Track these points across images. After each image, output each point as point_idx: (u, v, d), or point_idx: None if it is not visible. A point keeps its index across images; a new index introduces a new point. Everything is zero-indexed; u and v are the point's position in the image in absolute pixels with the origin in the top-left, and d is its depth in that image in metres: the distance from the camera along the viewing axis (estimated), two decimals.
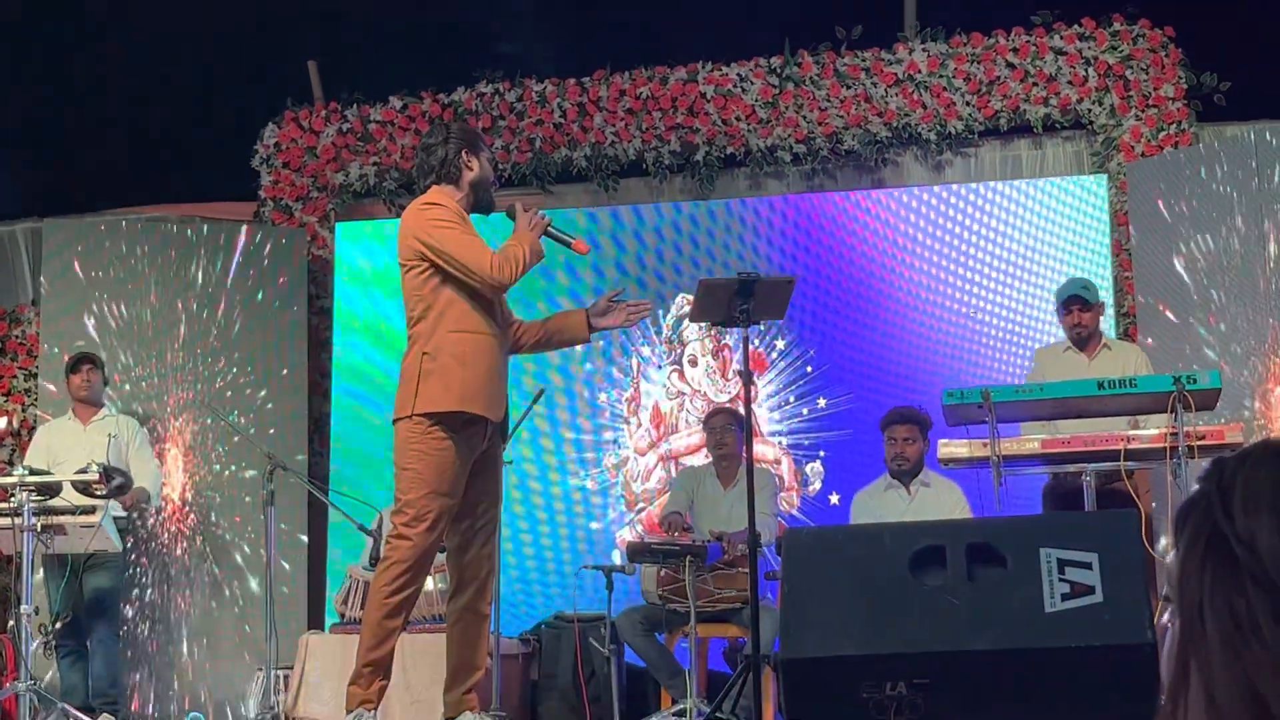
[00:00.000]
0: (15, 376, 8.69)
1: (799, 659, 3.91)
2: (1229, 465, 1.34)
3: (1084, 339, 6.55)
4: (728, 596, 6.40)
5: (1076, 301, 6.53)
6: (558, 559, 8.32)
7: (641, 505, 8.30)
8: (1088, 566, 3.83)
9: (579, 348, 8.24)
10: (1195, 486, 1.37)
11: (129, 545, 7.57)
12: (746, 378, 4.91)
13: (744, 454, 5.28)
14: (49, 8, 9.58)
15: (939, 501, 6.61)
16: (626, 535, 8.18)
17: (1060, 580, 3.86)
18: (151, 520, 7.92)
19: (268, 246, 8.39)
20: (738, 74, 8.42)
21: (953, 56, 8.16)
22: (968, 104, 8.11)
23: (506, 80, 8.72)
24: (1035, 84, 8.03)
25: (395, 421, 4.92)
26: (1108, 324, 7.26)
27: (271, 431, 8.12)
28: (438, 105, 8.76)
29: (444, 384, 4.83)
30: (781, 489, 7.98)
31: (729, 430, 6.98)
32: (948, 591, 3.91)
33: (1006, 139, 8.21)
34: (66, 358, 7.64)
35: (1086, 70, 7.97)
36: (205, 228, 8.42)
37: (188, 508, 8.05)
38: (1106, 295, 7.29)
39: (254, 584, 7.97)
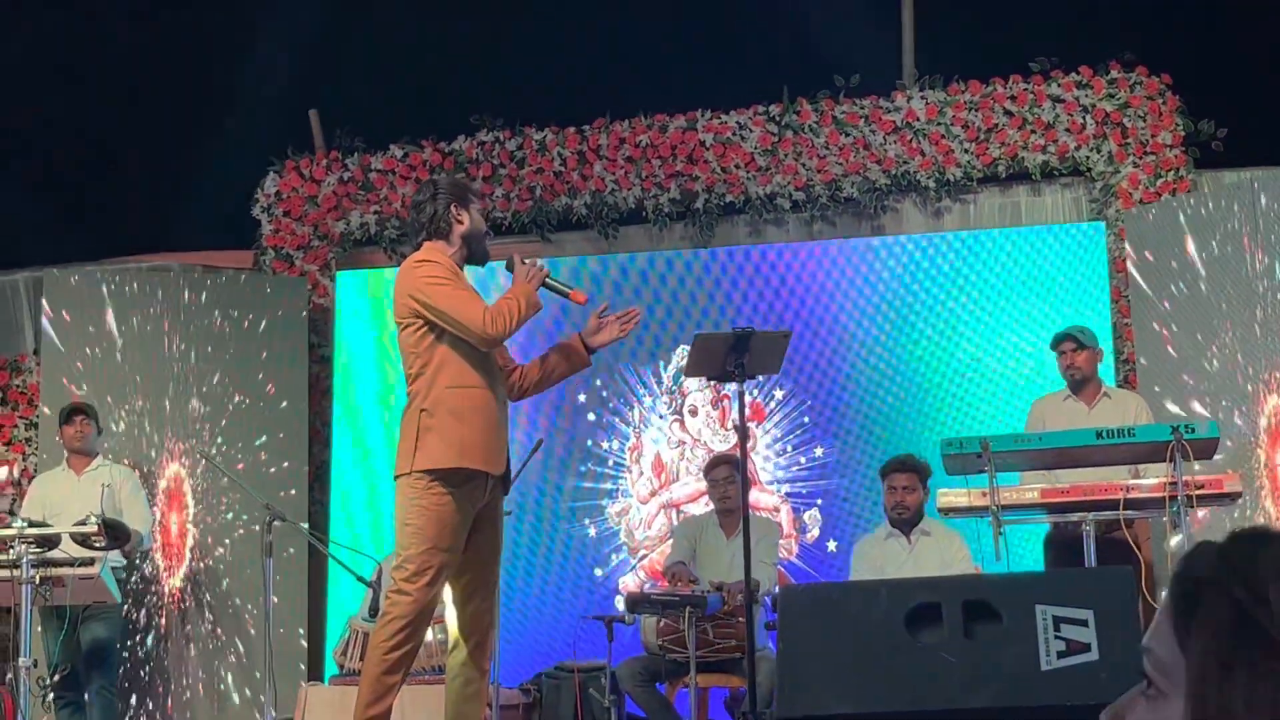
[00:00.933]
0: (16, 426, 8.69)
1: (796, 719, 3.89)
2: (1238, 548, 1.27)
3: (1079, 382, 6.54)
4: (728, 646, 6.37)
5: (1070, 341, 6.54)
6: (560, 607, 8.30)
7: (643, 552, 8.29)
8: (1084, 624, 3.82)
9: (582, 398, 8.28)
10: (1185, 572, 1.28)
11: (128, 595, 7.55)
12: (742, 433, 4.90)
13: (743, 504, 5.27)
14: (50, 57, 9.63)
15: (940, 550, 6.58)
16: (629, 582, 8.16)
17: (1056, 638, 3.85)
18: (149, 568, 7.90)
19: (268, 295, 8.40)
20: (737, 122, 8.45)
21: (951, 104, 8.19)
22: (966, 151, 8.13)
23: (506, 129, 8.76)
24: (1033, 131, 8.06)
25: (396, 478, 4.92)
26: (1107, 371, 7.25)
27: (271, 474, 8.11)
28: (438, 154, 8.79)
29: (443, 440, 4.83)
30: (781, 536, 7.96)
31: (731, 482, 6.95)
32: (944, 649, 3.90)
33: (1005, 186, 8.23)
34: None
35: (1084, 117, 7.99)
36: (205, 276, 8.44)
37: (187, 557, 8.04)
38: (1105, 342, 7.28)
39: (253, 633, 7.95)
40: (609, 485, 8.39)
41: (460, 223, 5.01)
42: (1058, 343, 6.60)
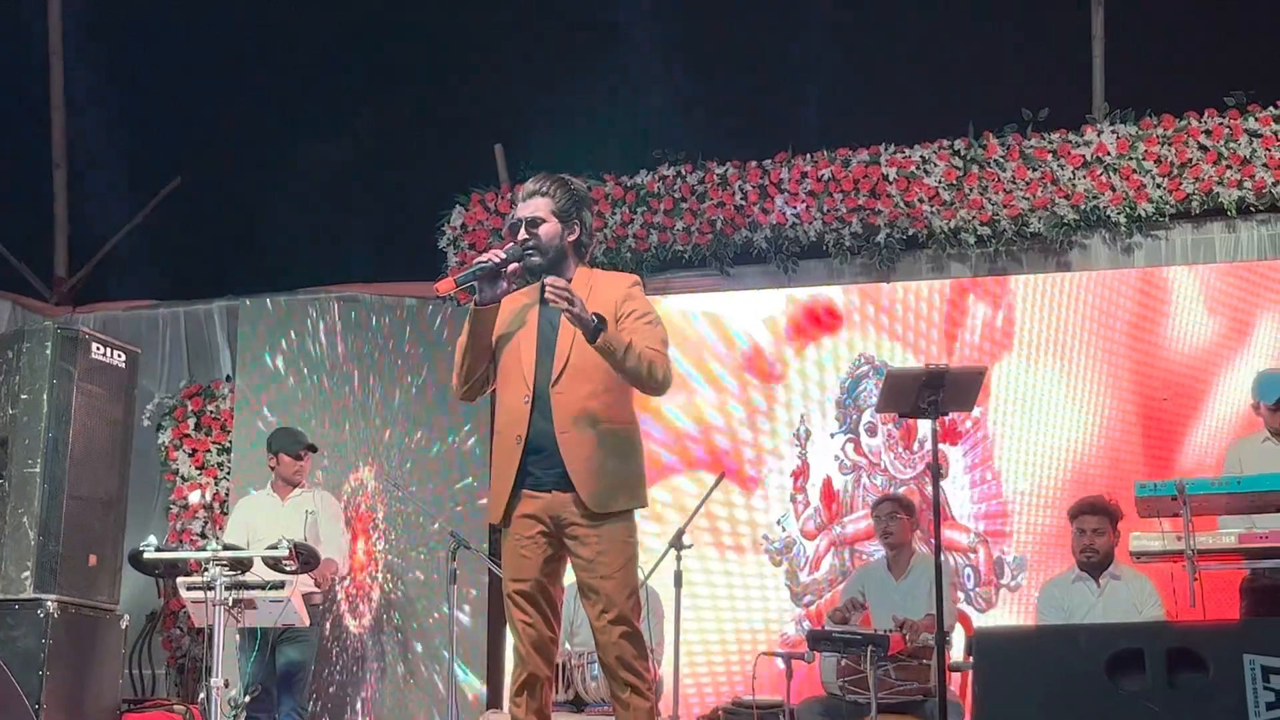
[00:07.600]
0: (209, 450, 8.94)
1: None
2: None
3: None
4: (909, 689, 6.29)
5: None
6: (723, 646, 8.09)
7: (810, 598, 8.04)
8: None
9: (742, 417, 8.18)
10: None
11: (322, 620, 7.68)
12: (935, 472, 4.83)
13: (933, 547, 5.20)
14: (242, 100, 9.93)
15: (1130, 595, 6.42)
16: (790, 631, 7.92)
17: (1265, 689, 3.72)
18: (338, 593, 8.05)
19: (451, 324, 8.53)
20: (921, 156, 8.38)
21: (1143, 138, 8.02)
22: (1158, 187, 7.95)
23: (688, 162, 8.80)
24: (1229, 166, 7.85)
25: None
26: None
27: (457, 508, 8.20)
28: (620, 188, 8.86)
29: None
30: (978, 582, 7.78)
31: (894, 519, 6.84)
32: (1146, 697, 3.79)
33: (1199, 222, 8.01)
34: (270, 434, 7.78)
35: None
36: (392, 305, 8.60)
37: (374, 583, 8.17)
38: None
39: (434, 661, 8.04)
40: (770, 517, 8.10)
41: None
42: (1276, 402, 6.35)
